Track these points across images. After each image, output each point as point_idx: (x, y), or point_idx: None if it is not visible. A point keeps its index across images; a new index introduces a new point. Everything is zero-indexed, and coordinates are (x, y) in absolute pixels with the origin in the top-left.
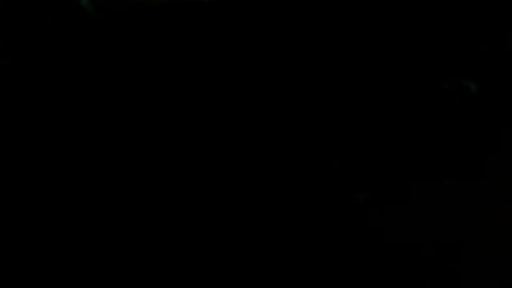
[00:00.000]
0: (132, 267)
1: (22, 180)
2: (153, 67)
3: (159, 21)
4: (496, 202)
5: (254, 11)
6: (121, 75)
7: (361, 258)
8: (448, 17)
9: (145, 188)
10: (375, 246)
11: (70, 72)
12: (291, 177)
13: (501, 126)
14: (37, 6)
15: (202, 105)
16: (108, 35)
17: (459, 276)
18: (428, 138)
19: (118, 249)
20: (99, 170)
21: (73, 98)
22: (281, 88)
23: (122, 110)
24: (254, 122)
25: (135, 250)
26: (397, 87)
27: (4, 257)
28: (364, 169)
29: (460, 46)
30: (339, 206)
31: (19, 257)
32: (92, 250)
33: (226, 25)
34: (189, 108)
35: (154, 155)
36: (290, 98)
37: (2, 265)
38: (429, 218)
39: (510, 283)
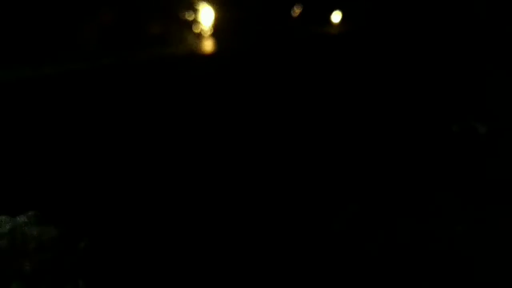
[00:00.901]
0: (132, 266)
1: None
2: None
3: None
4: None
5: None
6: None
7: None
8: (458, 64)
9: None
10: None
11: None
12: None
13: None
14: None
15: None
16: None
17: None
18: (440, 179)
19: (118, 248)
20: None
21: None
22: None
23: None
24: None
25: (134, 249)
26: (409, 130)
27: None
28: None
29: (469, 90)
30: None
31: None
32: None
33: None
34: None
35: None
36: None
37: None
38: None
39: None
